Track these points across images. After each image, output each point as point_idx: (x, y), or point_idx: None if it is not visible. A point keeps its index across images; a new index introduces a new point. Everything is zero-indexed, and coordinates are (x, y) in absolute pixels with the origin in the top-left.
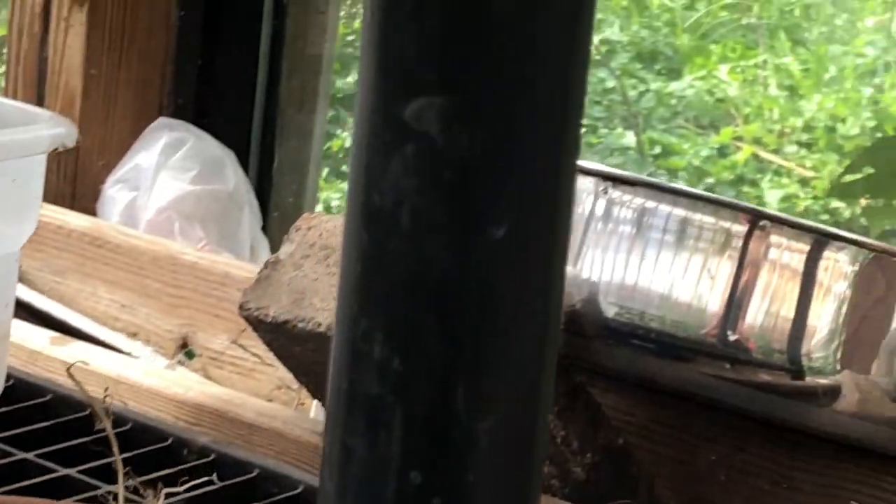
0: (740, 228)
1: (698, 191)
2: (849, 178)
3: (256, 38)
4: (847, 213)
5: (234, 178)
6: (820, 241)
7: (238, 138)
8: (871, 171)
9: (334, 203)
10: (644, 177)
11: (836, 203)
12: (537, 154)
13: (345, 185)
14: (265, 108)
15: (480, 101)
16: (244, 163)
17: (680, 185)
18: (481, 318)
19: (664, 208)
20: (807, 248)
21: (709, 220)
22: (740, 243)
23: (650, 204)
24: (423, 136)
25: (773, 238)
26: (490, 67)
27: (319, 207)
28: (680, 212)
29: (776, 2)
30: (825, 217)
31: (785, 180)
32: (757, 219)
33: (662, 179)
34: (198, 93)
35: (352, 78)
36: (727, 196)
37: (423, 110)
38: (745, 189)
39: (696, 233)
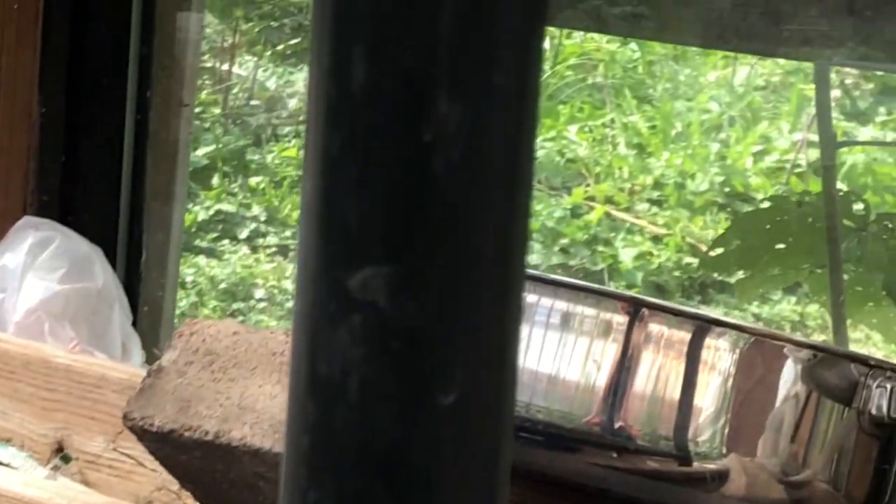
0: (621, 318)
1: (579, 282)
2: (717, 250)
3: (120, 131)
4: (699, 270)
5: (102, 275)
6: (701, 327)
7: (105, 234)
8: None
9: (188, 279)
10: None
11: (688, 259)
12: (484, 319)
13: (198, 260)
14: (131, 202)
15: (427, 268)
16: (112, 258)
17: (561, 277)
18: (430, 486)
19: (546, 301)
20: (688, 334)
21: (590, 311)
22: (622, 332)
23: (531, 297)
24: (369, 305)
25: (655, 326)
26: (435, 234)
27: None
28: (562, 304)
29: (620, 60)
30: (678, 273)
31: (638, 238)
32: (638, 307)
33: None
34: (62, 189)
35: (200, 151)
36: (582, 254)
37: (369, 280)
38: (600, 248)
39: (579, 323)
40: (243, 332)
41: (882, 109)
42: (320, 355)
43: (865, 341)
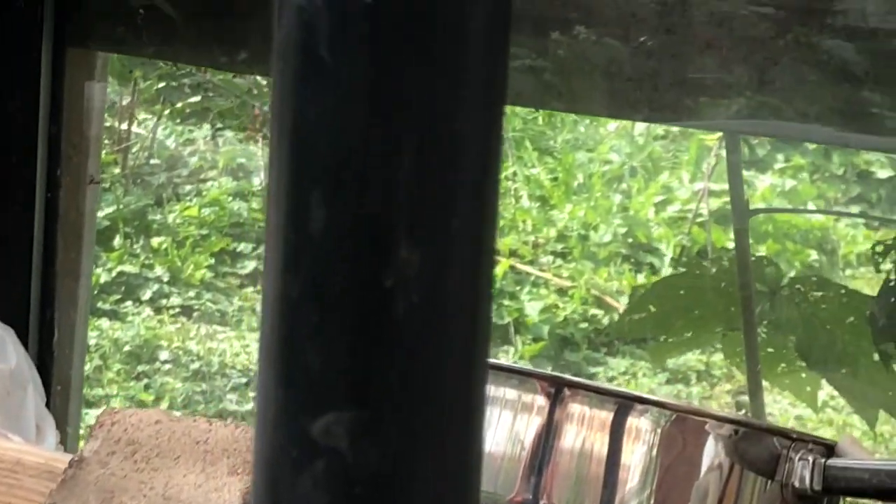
0: (543, 398)
1: (501, 362)
2: (631, 316)
3: (30, 211)
4: (606, 321)
5: (15, 355)
6: (623, 404)
7: (17, 314)
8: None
9: (91, 342)
10: None
11: (594, 310)
12: (447, 459)
13: (101, 323)
14: (42, 282)
15: (389, 413)
16: (24, 339)
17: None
18: None
19: None
20: (611, 413)
21: (511, 392)
22: (545, 411)
23: None
24: (332, 450)
25: (577, 405)
26: (397, 378)
27: None
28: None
29: (520, 112)
30: (584, 325)
31: (543, 291)
32: (559, 387)
33: None
34: None
35: (101, 213)
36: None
37: (332, 425)
38: (506, 302)
39: (501, 403)
40: (166, 421)
41: (780, 156)
42: (283, 501)
43: (770, 389)
